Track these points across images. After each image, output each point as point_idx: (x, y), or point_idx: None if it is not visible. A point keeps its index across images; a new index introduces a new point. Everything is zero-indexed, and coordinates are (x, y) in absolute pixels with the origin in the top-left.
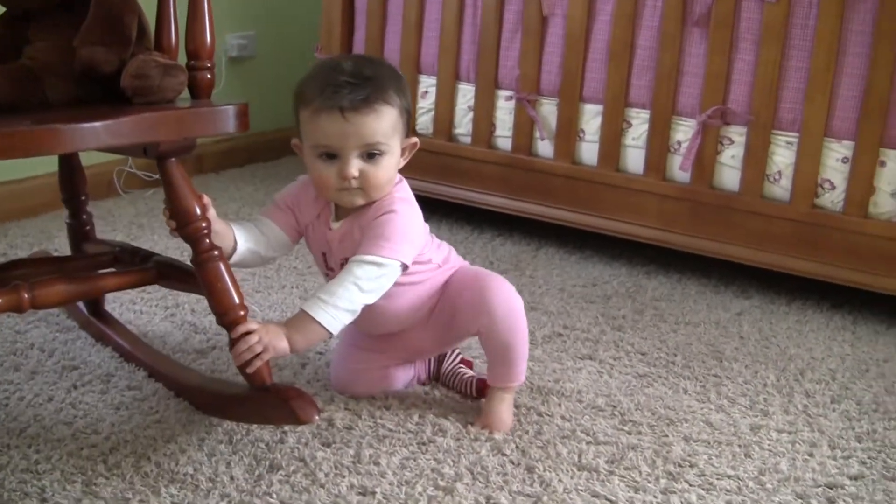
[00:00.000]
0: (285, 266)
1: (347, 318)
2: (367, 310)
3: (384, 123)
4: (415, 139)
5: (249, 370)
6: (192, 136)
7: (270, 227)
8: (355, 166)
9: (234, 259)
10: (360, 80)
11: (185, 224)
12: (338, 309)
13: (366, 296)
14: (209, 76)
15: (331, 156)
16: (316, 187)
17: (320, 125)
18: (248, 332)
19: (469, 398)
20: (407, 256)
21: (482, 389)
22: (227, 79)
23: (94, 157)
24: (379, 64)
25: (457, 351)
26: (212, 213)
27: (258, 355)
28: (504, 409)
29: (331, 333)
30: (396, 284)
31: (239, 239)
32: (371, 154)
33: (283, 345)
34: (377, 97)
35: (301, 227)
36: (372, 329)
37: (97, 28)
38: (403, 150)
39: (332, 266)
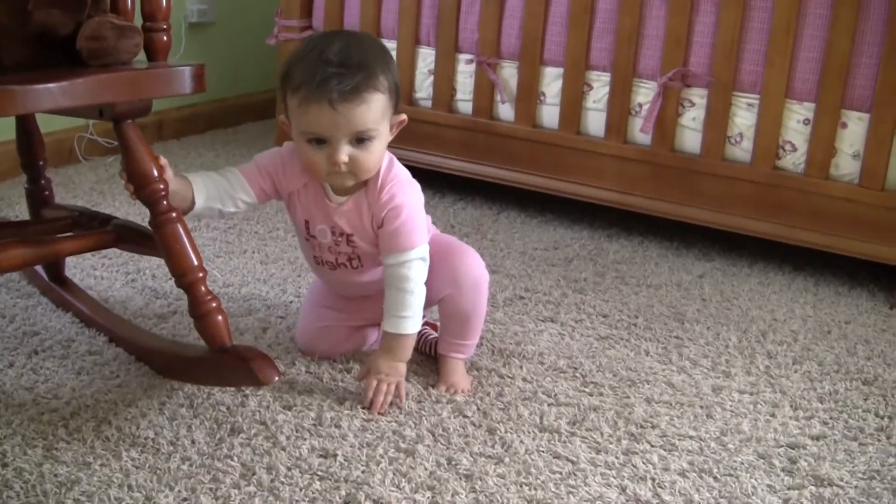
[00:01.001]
0: (246, 231)
1: (421, 312)
2: (348, 276)
3: (373, 111)
4: (403, 116)
5: (374, 409)
6: (147, 97)
7: (242, 183)
8: (345, 152)
9: (190, 213)
10: (349, 69)
11: (142, 186)
12: (415, 313)
13: (421, 285)
14: (165, 38)
15: (320, 141)
16: (306, 169)
17: (310, 114)
18: (372, 384)
19: (429, 357)
20: (426, 234)
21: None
22: (188, 45)
23: (55, 123)
24: (367, 44)
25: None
26: (169, 173)
27: (395, 394)
28: (459, 374)
29: (414, 336)
30: (373, 261)
31: (198, 197)
32: (360, 139)
33: (402, 369)
34: (366, 85)
35: (280, 193)
36: (347, 291)
37: None
38: (392, 127)
39: (313, 234)
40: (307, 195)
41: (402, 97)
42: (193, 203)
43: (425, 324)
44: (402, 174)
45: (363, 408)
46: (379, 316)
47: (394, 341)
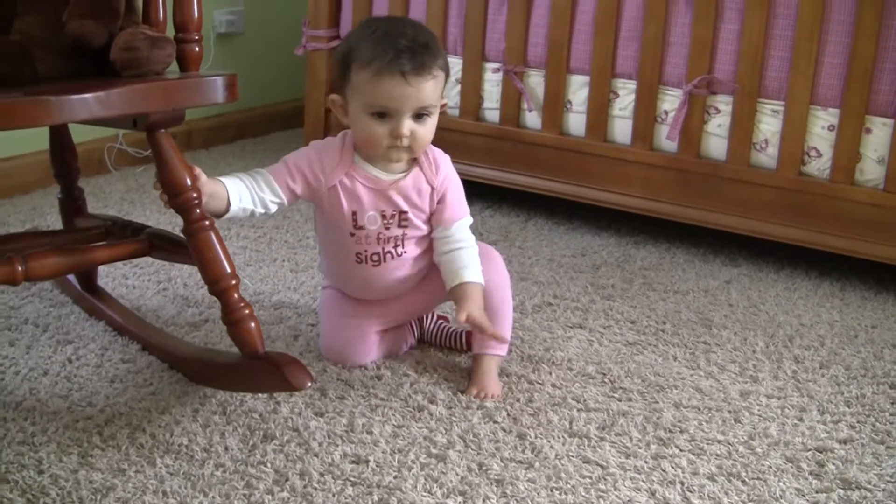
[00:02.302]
0: (276, 239)
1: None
2: (389, 269)
3: (438, 88)
4: (445, 100)
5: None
6: (181, 107)
7: (270, 184)
8: (408, 126)
9: (225, 216)
10: (419, 46)
11: (175, 194)
12: (472, 264)
13: (474, 244)
14: (197, 49)
15: (382, 115)
16: (363, 143)
17: (381, 87)
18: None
19: (460, 352)
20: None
21: (470, 342)
22: (216, 55)
23: (85, 133)
24: (426, 29)
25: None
26: (203, 178)
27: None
28: (492, 378)
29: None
30: (417, 246)
31: (233, 199)
32: (420, 115)
33: (484, 317)
34: (434, 62)
35: (318, 190)
36: (377, 293)
37: (85, 1)
38: (440, 107)
39: (361, 224)
40: (353, 183)
41: None
42: (228, 205)
43: (439, 317)
44: (440, 151)
45: (426, 393)
46: (403, 313)
47: (467, 291)
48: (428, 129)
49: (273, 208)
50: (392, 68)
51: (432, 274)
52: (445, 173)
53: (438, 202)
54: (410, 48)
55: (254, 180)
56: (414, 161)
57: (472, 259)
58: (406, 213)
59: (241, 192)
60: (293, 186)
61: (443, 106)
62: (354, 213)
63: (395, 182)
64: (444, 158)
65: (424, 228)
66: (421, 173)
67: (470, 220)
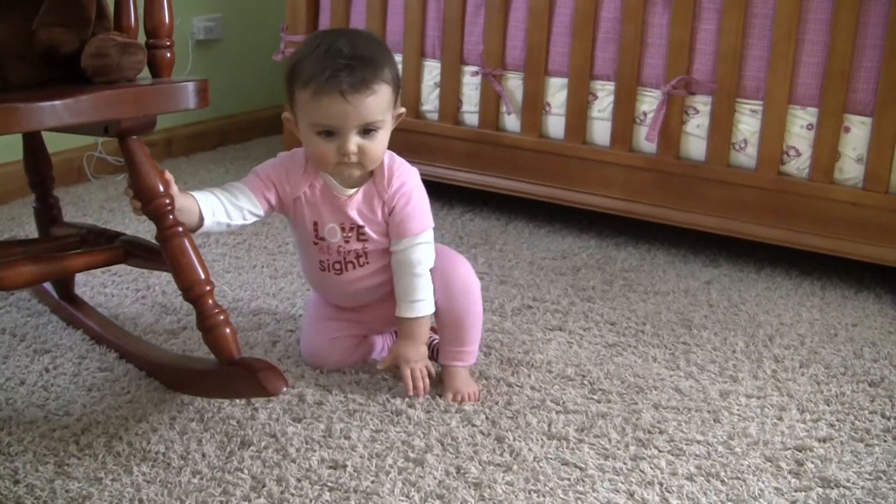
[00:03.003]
0: (256, 246)
1: (431, 295)
2: (354, 278)
3: (381, 101)
4: (402, 109)
5: (418, 394)
6: (152, 113)
7: (248, 195)
8: (354, 143)
9: (199, 231)
10: (358, 62)
11: (148, 201)
12: (427, 296)
13: (428, 268)
14: (168, 54)
15: (329, 133)
16: (313, 161)
17: (321, 106)
18: (407, 374)
19: (434, 360)
20: (431, 219)
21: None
22: (195, 62)
23: (64, 142)
24: (370, 39)
25: None
26: (174, 189)
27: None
28: (462, 382)
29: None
30: (380, 258)
31: (205, 213)
32: (368, 130)
33: (424, 351)
34: (374, 77)
35: (285, 201)
36: (349, 300)
37: (56, 9)
38: (392, 119)
39: (322, 235)
40: (314, 195)
41: (409, 110)
42: (201, 220)
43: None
44: (405, 162)
45: (406, 397)
46: (382, 322)
47: (412, 325)
48: (378, 143)
49: (251, 219)
50: (330, 87)
51: None
52: (398, 186)
53: (390, 213)
54: (348, 65)
55: (229, 193)
56: (370, 174)
57: (410, 287)
58: (363, 227)
59: (213, 207)
60: (268, 196)
61: (399, 116)
62: (316, 224)
63: (349, 197)
64: (401, 170)
65: (384, 241)
66: (373, 186)
67: (427, 236)
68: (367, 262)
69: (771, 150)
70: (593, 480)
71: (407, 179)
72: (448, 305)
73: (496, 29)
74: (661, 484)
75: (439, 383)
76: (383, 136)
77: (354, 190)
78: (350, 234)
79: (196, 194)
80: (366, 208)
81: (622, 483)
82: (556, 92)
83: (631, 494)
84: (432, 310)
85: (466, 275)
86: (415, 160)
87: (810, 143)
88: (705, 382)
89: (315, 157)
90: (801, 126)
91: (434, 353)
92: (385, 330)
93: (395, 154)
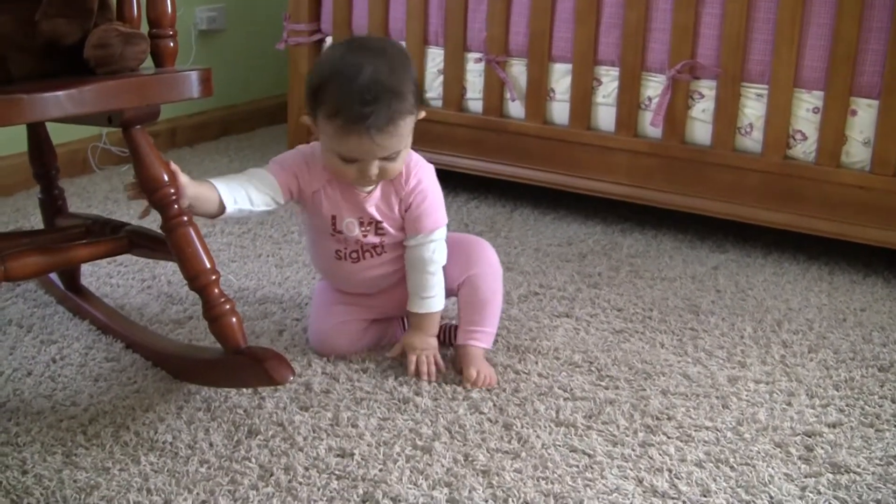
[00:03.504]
0: (261, 235)
1: (443, 291)
2: (369, 266)
3: (405, 132)
4: (422, 113)
5: (421, 377)
6: (155, 103)
7: (271, 182)
8: (376, 167)
9: (221, 217)
10: (382, 100)
11: (153, 191)
12: (438, 292)
13: (440, 266)
14: (171, 44)
15: (352, 160)
16: (332, 173)
17: (348, 142)
18: (412, 359)
19: (448, 345)
20: (446, 216)
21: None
22: (198, 52)
23: (69, 133)
24: (394, 63)
25: None
26: (183, 178)
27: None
28: (481, 361)
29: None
30: (396, 248)
31: (227, 200)
32: (390, 157)
33: (434, 343)
34: (399, 113)
35: (304, 191)
36: (361, 287)
37: (58, 0)
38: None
39: (340, 228)
40: (334, 190)
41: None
42: (221, 207)
43: None
44: (421, 159)
45: (413, 384)
46: (392, 307)
47: (422, 320)
48: (399, 162)
49: (272, 206)
50: (357, 128)
51: None
52: (415, 184)
53: (406, 210)
54: (375, 109)
55: (253, 179)
56: None
57: (423, 283)
58: (381, 222)
59: (235, 193)
60: (290, 185)
61: (420, 119)
62: (334, 218)
63: (368, 193)
64: (419, 168)
65: (401, 235)
66: (390, 183)
67: (440, 234)
68: (384, 252)
69: (777, 134)
70: (602, 467)
71: (423, 177)
72: (474, 283)
73: (499, 15)
74: (669, 470)
75: (450, 370)
76: (403, 155)
77: (373, 186)
78: (368, 229)
79: (215, 181)
80: (384, 205)
81: (631, 470)
82: (561, 78)
83: (640, 481)
84: (443, 306)
85: (492, 255)
86: (419, 147)
87: (816, 126)
88: (713, 368)
89: (334, 173)
90: (807, 110)
91: (449, 336)
92: (394, 314)
93: (412, 150)
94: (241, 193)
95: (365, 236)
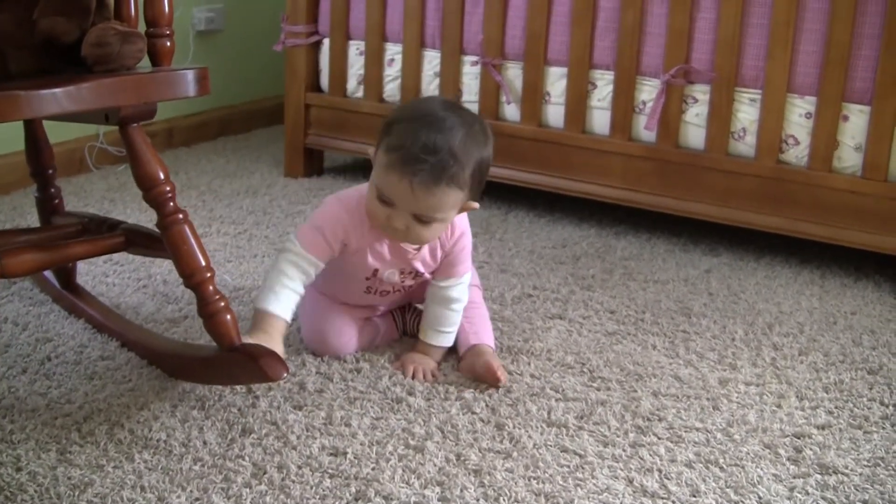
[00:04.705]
0: (257, 235)
1: (457, 328)
2: (393, 297)
3: (446, 203)
4: (476, 204)
5: (417, 377)
6: (152, 100)
7: (317, 264)
8: (405, 222)
9: None
10: (441, 159)
11: (148, 188)
12: (455, 329)
13: (463, 306)
14: (168, 43)
15: (388, 202)
16: (366, 211)
17: (389, 179)
18: (409, 367)
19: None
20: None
21: None
22: (196, 52)
23: (66, 133)
24: (473, 133)
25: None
26: (280, 348)
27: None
28: (492, 356)
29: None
30: (419, 285)
31: (293, 308)
32: (423, 220)
33: (433, 365)
34: (448, 181)
35: (348, 249)
36: (363, 304)
37: None
38: (462, 209)
39: (380, 277)
40: (382, 247)
41: (409, 100)
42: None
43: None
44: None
45: (406, 385)
46: (388, 305)
47: (432, 350)
48: (430, 230)
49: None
50: (405, 169)
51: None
52: (459, 235)
53: (446, 257)
54: (429, 161)
55: (303, 274)
56: None
57: (444, 318)
58: (422, 273)
59: (292, 306)
60: (333, 251)
61: (469, 207)
62: (376, 271)
63: (417, 250)
64: (462, 219)
65: (430, 276)
66: (437, 238)
67: (469, 277)
68: (412, 285)
69: (770, 138)
70: (592, 467)
71: (465, 227)
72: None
73: (496, 18)
74: (660, 471)
75: (443, 370)
76: (439, 227)
77: (417, 245)
78: (407, 276)
79: (278, 315)
80: (429, 258)
81: (621, 470)
82: (556, 81)
83: (630, 481)
84: (452, 342)
85: (476, 280)
86: None
87: (809, 131)
88: (704, 370)
89: (368, 210)
90: (799, 115)
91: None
92: (387, 309)
93: None
94: (294, 300)
95: (403, 281)
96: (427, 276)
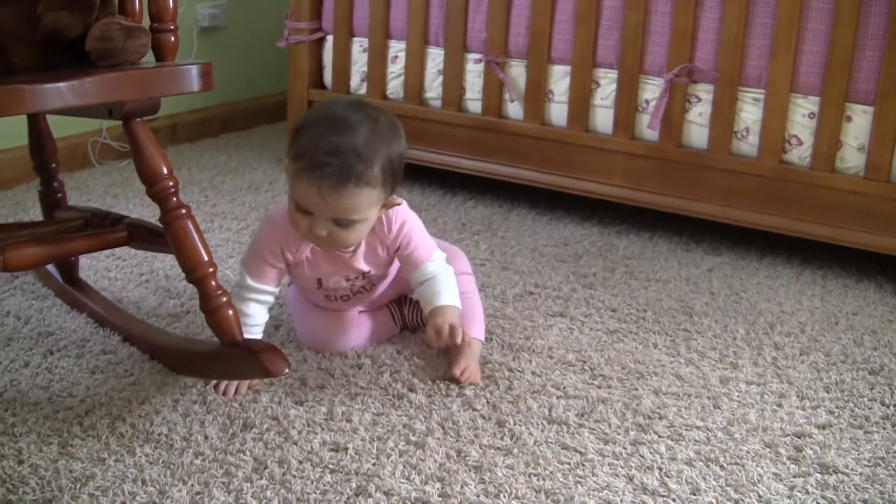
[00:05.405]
0: None
1: (458, 292)
2: (360, 300)
3: (359, 203)
4: (398, 200)
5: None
6: (156, 96)
7: (272, 290)
8: (325, 228)
9: None
10: (346, 160)
11: (151, 183)
12: (449, 291)
13: (451, 273)
14: (172, 38)
15: (305, 211)
16: (290, 223)
17: (299, 187)
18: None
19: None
20: (434, 244)
21: None
22: (199, 49)
23: (69, 128)
24: (378, 129)
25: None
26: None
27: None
28: (472, 361)
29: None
30: (379, 280)
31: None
32: (341, 223)
33: (455, 319)
34: (359, 180)
35: (289, 264)
36: (324, 306)
37: None
38: (385, 206)
39: (327, 286)
40: (316, 257)
41: (412, 98)
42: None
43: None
44: (402, 208)
45: (407, 381)
46: (374, 302)
47: (441, 312)
48: (352, 232)
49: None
50: (311, 175)
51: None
52: (398, 228)
53: (397, 251)
54: (339, 154)
55: (260, 305)
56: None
57: (445, 285)
58: (368, 272)
59: (264, 314)
60: (280, 273)
61: (393, 204)
62: (319, 280)
63: (353, 253)
64: (402, 214)
65: (390, 271)
66: (374, 235)
67: (438, 254)
68: (374, 285)
69: (773, 138)
70: (593, 465)
71: (405, 220)
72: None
73: (499, 16)
74: (660, 469)
75: (440, 367)
76: (361, 227)
77: (356, 248)
78: (356, 280)
79: (256, 326)
80: (371, 257)
81: (622, 467)
82: (559, 79)
83: (630, 479)
84: (459, 304)
85: (460, 265)
86: (418, 147)
87: (812, 131)
88: (705, 369)
89: (290, 222)
90: (802, 115)
91: (420, 317)
92: (381, 304)
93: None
94: (265, 312)
95: (353, 286)
96: (377, 272)
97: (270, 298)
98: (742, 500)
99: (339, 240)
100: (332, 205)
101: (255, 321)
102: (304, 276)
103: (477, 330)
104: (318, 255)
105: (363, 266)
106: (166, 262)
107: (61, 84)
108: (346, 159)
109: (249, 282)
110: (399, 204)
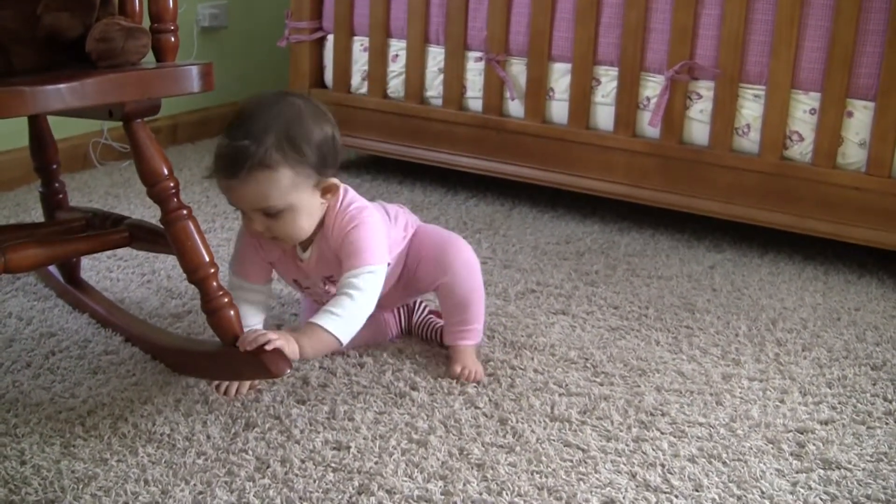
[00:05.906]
0: None
1: (356, 326)
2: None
3: (269, 188)
4: (332, 181)
5: (250, 347)
6: (156, 96)
7: (264, 289)
8: (259, 223)
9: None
10: (237, 147)
11: (152, 184)
12: (347, 317)
13: (369, 300)
14: (173, 39)
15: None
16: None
17: (220, 189)
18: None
19: (438, 345)
20: (386, 255)
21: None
22: (200, 49)
23: (70, 129)
24: (274, 112)
25: (423, 303)
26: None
27: (268, 342)
28: (469, 358)
29: (341, 342)
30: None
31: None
32: (269, 213)
33: (293, 346)
34: (256, 163)
35: (273, 266)
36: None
37: None
38: (324, 192)
39: (307, 286)
40: (286, 260)
41: (414, 96)
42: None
43: (430, 312)
44: (353, 205)
45: (409, 380)
46: (380, 306)
47: (310, 330)
48: (288, 223)
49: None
50: (217, 173)
51: (408, 271)
52: (346, 238)
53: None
54: (226, 152)
55: (255, 305)
56: (320, 225)
57: (336, 301)
58: (331, 276)
59: (261, 312)
60: (265, 270)
61: (331, 187)
62: (296, 281)
63: (307, 261)
64: (350, 219)
65: (393, 272)
66: (324, 240)
67: (370, 268)
68: None
69: (774, 134)
70: (595, 462)
71: (360, 221)
72: (450, 286)
73: (500, 14)
74: (662, 465)
75: (442, 365)
76: (294, 217)
77: (308, 252)
78: (329, 280)
79: (247, 328)
80: (323, 264)
81: (624, 464)
82: (560, 77)
83: (633, 475)
84: (344, 339)
85: (466, 252)
86: (419, 146)
87: (813, 127)
88: (708, 365)
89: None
90: (803, 111)
91: (438, 336)
92: (387, 309)
93: (348, 193)
94: (263, 309)
95: (327, 287)
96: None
97: (261, 297)
98: (745, 496)
99: (280, 233)
100: (242, 196)
101: (246, 322)
102: (285, 276)
103: (471, 334)
104: (286, 256)
105: (323, 268)
106: (168, 263)
107: (61, 85)
108: (236, 146)
109: (238, 281)
110: (334, 183)
